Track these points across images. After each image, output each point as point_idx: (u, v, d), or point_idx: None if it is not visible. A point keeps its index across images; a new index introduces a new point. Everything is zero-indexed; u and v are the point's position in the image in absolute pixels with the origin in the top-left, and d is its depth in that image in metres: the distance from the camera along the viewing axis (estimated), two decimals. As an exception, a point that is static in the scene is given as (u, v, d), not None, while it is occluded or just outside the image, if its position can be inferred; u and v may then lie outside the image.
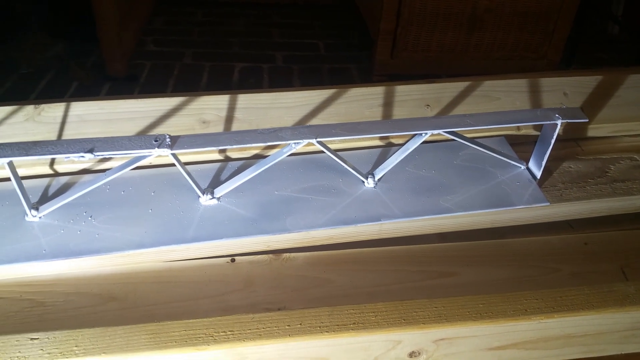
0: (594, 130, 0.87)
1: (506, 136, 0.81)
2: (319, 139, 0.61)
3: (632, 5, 2.09)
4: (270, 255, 0.65)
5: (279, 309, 0.59)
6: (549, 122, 0.67)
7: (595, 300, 0.58)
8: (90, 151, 0.54)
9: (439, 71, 1.69)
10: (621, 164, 0.81)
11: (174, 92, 1.70)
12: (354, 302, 0.57)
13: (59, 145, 0.55)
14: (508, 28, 1.60)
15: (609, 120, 0.87)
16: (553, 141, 0.68)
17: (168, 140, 0.57)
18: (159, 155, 0.57)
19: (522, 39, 1.63)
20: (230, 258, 0.64)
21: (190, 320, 0.52)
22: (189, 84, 1.76)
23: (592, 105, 0.88)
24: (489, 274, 0.66)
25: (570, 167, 0.79)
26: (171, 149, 0.57)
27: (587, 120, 0.68)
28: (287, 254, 0.66)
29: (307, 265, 0.65)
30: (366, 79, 1.77)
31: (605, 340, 0.60)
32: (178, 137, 0.58)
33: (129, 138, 0.56)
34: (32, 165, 0.69)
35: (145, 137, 0.56)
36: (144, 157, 0.58)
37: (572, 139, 0.86)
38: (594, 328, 0.58)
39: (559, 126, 0.67)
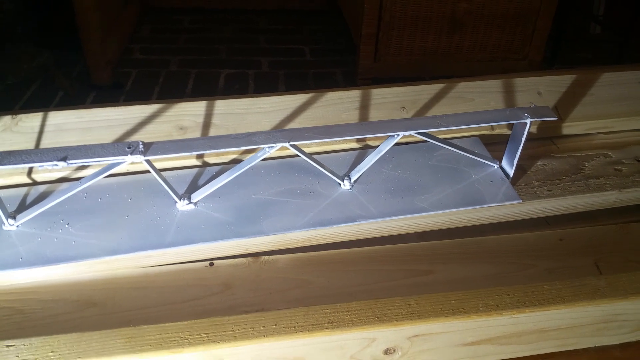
0: (568, 128, 0.88)
1: (481, 136, 0.83)
2: (292, 143, 0.62)
3: (613, 5, 2.13)
4: (249, 258, 0.66)
5: (257, 311, 0.59)
6: (518, 121, 0.68)
7: (566, 295, 0.59)
8: (64, 159, 0.54)
9: (422, 74, 1.71)
10: (595, 160, 0.83)
11: (157, 100, 1.71)
12: (333, 302, 0.57)
13: (33, 154, 0.55)
14: (488, 30, 1.62)
15: (584, 118, 0.89)
16: (523, 140, 0.69)
17: (141, 147, 0.58)
18: (133, 162, 0.58)
19: (503, 40, 1.66)
20: (208, 262, 0.65)
21: (166, 324, 0.52)
22: (174, 92, 1.76)
23: (567, 104, 0.90)
24: (465, 271, 0.67)
25: (545, 164, 0.81)
26: (144, 156, 0.57)
27: (555, 118, 0.70)
28: (266, 257, 0.66)
29: (286, 267, 0.66)
30: (351, 83, 1.79)
31: (578, 333, 0.61)
32: (151, 143, 0.59)
33: (102, 146, 0.57)
34: (10, 175, 0.70)
35: (119, 145, 0.57)
36: (118, 164, 0.59)
37: (548, 137, 0.88)
38: (567, 322, 0.59)
39: (528, 125, 0.68)
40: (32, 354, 0.50)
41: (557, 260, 0.69)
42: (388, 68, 1.70)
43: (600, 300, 0.59)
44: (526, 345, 0.61)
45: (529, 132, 0.69)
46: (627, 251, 0.71)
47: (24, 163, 0.55)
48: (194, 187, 0.70)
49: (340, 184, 0.72)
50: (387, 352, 0.56)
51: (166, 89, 1.79)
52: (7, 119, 0.74)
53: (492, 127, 0.83)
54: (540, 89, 0.90)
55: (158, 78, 1.85)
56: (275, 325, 0.53)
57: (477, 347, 0.59)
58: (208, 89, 1.79)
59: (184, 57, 2.00)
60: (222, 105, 0.80)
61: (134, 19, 2.22)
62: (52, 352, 0.50)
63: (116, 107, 0.77)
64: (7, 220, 0.62)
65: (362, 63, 1.68)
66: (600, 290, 0.60)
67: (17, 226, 0.63)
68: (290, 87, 1.79)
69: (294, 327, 0.53)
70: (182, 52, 2.05)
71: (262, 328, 0.53)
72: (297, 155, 0.67)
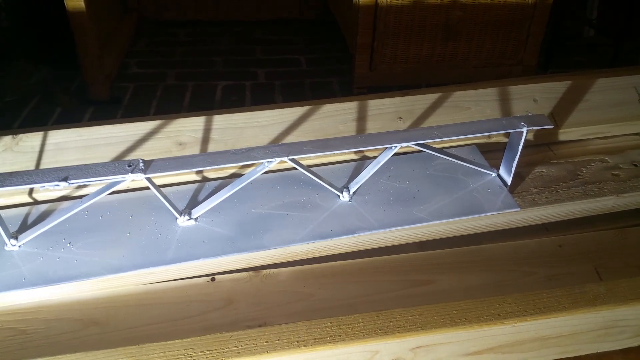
0: (565, 135, 0.89)
1: (478, 144, 0.83)
2: (290, 157, 0.63)
3: (606, 8, 2.15)
4: (250, 272, 0.66)
5: (259, 326, 0.60)
6: (515, 130, 0.69)
7: (566, 302, 0.59)
8: (65, 179, 0.55)
9: (418, 81, 1.72)
10: (592, 166, 0.83)
11: (156, 114, 1.72)
12: (335, 314, 0.58)
13: (34, 175, 0.56)
14: (482, 37, 1.64)
15: (580, 124, 0.89)
16: (520, 148, 0.70)
17: (141, 164, 0.58)
18: (134, 180, 0.58)
19: (497, 46, 1.67)
20: (210, 277, 0.65)
21: (169, 342, 0.53)
22: (172, 105, 1.77)
23: (562, 110, 0.91)
24: (466, 280, 0.67)
25: (542, 171, 0.81)
26: (145, 174, 0.58)
27: (552, 126, 0.70)
28: (267, 271, 0.67)
29: (288, 281, 0.66)
30: (347, 91, 1.79)
31: (579, 340, 0.61)
32: (151, 161, 0.59)
33: (102, 164, 0.57)
34: (11, 194, 0.70)
35: (119, 163, 0.58)
36: (118, 182, 0.60)
37: (544, 143, 0.88)
38: (568, 329, 0.60)
39: (525, 134, 0.69)
40: (36, 375, 0.50)
41: (557, 267, 0.69)
42: (384, 76, 1.71)
43: (601, 307, 0.59)
44: (528, 353, 0.61)
45: (525, 140, 0.70)
46: (626, 256, 0.71)
47: (25, 184, 0.55)
48: (194, 202, 0.70)
49: (339, 195, 0.72)
50: (390, 364, 0.57)
51: (164, 102, 1.79)
52: (7, 139, 0.75)
53: (489, 135, 0.84)
54: (536, 96, 0.91)
55: (155, 92, 1.85)
56: (279, 340, 0.53)
57: (480, 357, 0.59)
58: (205, 101, 1.79)
59: (180, 70, 2.01)
60: (220, 120, 0.81)
61: (130, 32, 2.23)
62: (56, 372, 0.50)
63: (115, 125, 0.78)
64: (9, 240, 0.63)
65: (357, 72, 1.69)
66: (600, 296, 0.60)
67: (19, 246, 0.63)
68: (287, 97, 1.80)
69: (297, 341, 0.54)
70: (178, 65, 2.05)
71: (265, 343, 0.53)
72: (296, 168, 0.68)
